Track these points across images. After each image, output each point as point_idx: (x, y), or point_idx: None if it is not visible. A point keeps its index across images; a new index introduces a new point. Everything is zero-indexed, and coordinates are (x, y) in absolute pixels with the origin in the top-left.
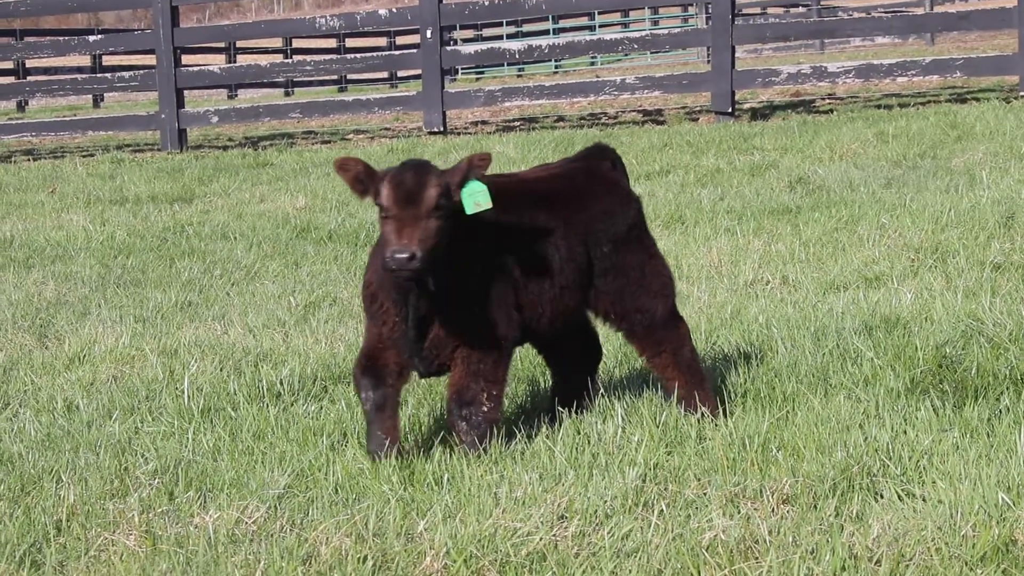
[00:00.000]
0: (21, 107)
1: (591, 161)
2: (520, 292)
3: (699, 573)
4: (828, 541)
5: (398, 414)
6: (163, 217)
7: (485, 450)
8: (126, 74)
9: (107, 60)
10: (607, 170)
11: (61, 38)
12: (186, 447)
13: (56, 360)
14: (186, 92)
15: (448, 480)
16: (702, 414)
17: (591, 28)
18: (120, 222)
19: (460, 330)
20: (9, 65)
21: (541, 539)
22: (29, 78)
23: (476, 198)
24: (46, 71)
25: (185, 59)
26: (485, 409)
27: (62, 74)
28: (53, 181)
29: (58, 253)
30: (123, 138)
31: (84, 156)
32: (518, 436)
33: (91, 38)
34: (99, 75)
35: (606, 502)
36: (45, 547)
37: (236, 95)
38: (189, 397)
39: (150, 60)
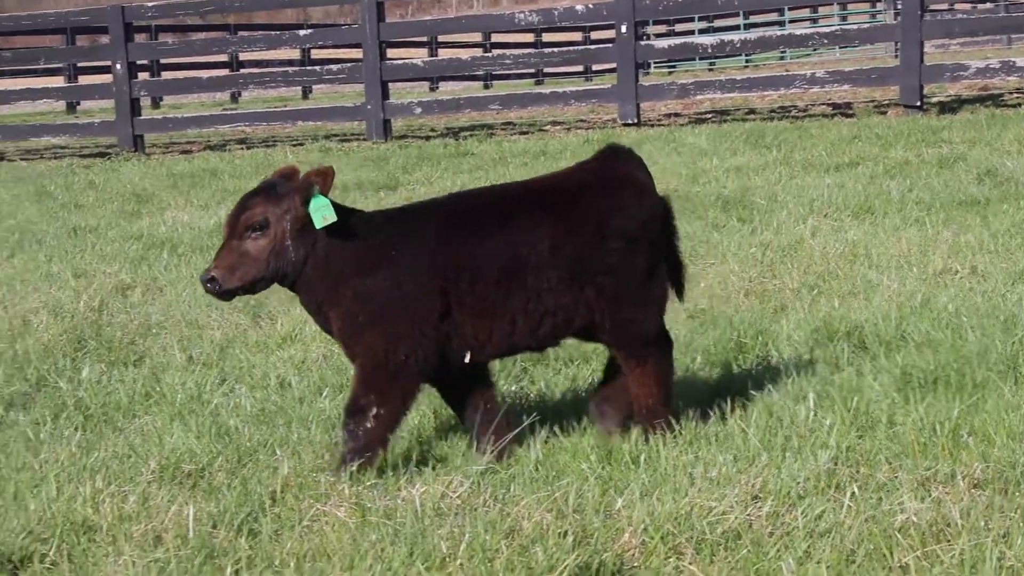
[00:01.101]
0: (235, 98)
1: (600, 162)
2: (456, 305)
3: (892, 554)
4: (1020, 526)
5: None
6: (369, 204)
7: (356, 469)
8: (334, 67)
9: (315, 54)
10: (613, 171)
11: (273, 32)
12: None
13: (269, 339)
14: (390, 84)
15: (644, 459)
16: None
17: (780, 24)
18: None
19: (349, 341)
20: (224, 58)
21: (736, 518)
22: (242, 70)
23: (322, 212)
24: (258, 64)
25: (390, 53)
26: (369, 425)
27: (273, 67)
28: (265, 169)
29: None
30: (330, 128)
31: (294, 145)
32: (712, 417)
33: (301, 32)
34: (308, 68)
35: (799, 483)
36: (261, 516)
37: (437, 87)
38: None
39: (356, 54)
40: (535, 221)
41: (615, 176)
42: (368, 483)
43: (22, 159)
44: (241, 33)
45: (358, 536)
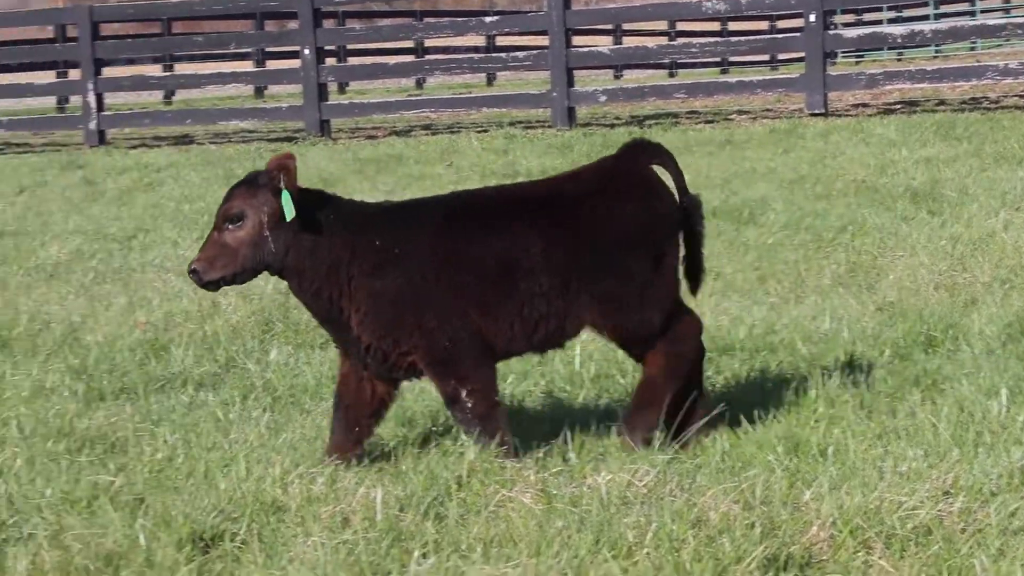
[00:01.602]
0: (419, 84)
1: (613, 161)
2: (472, 297)
3: None
4: None
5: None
6: None
7: (497, 442)
8: (520, 54)
9: (499, 40)
10: (631, 168)
11: (459, 19)
12: (576, 411)
13: None
14: (575, 71)
15: (832, 452)
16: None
17: (971, 14)
18: None
19: (383, 341)
20: (409, 44)
21: (926, 514)
22: (427, 57)
23: (288, 205)
24: (443, 50)
25: (575, 40)
26: (470, 405)
27: (458, 53)
28: (450, 154)
29: None
30: (514, 115)
31: (478, 131)
32: (902, 412)
33: (487, 19)
34: (494, 55)
35: (991, 480)
36: (447, 501)
37: (621, 75)
38: (581, 364)
39: (542, 41)
40: (526, 225)
41: (621, 177)
42: (554, 470)
43: (211, 143)
44: (427, 19)
45: (544, 522)
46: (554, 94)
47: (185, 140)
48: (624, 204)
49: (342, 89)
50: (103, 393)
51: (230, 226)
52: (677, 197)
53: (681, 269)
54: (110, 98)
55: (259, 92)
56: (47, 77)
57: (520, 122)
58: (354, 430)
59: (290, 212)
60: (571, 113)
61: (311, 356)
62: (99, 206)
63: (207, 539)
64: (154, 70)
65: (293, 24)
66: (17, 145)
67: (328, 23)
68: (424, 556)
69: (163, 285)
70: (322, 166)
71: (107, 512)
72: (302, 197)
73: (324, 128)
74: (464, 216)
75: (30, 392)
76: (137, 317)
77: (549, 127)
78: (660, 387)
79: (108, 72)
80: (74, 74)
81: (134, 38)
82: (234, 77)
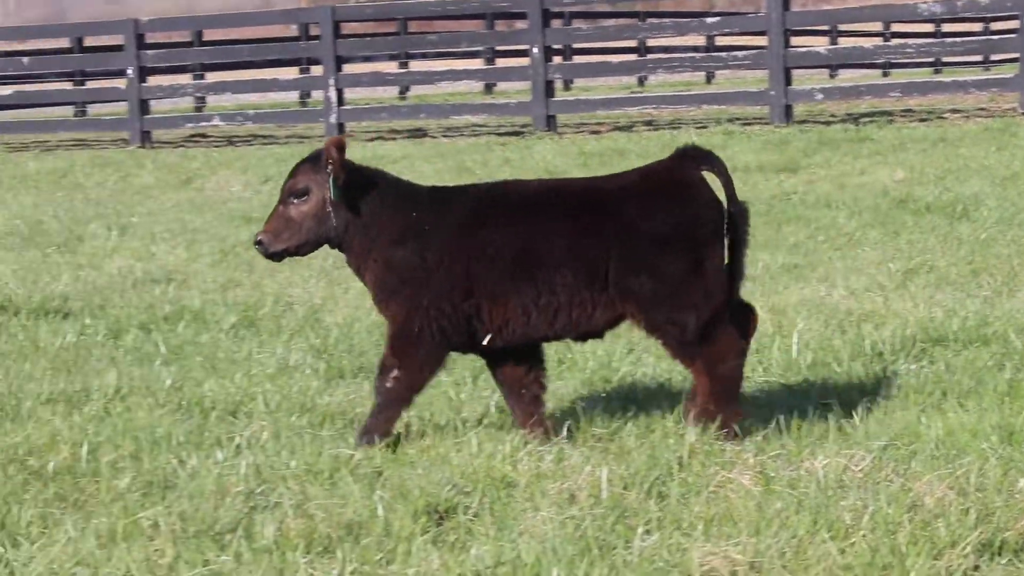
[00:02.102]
0: (641, 82)
1: (668, 163)
2: (477, 288)
3: None
4: None
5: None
6: (769, 185)
7: (378, 423)
8: (739, 53)
9: (718, 40)
10: (678, 173)
11: (681, 20)
12: (794, 397)
13: None
14: (792, 71)
15: None
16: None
17: None
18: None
19: (378, 305)
20: (631, 44)
21: None
22: (649, 56)
23: (332, 186)
24: (664, 50)
25: (792, 41)
26: (388, 385)
27: (678, 52)
28: (671, 150)
29: None
30: (733, 112)
31: (698, 127)
32: None
33: (708, 20)
34: (714, 54)
35: None
36: (669, 481)
37: (836, 75)
38: (798, 352)
39: (760, 41)
40: (553, 218)
41: (664, 179)
42: (772, 453)
43: (443, 136)
44: (650, 20)
45: (763, 503)
46: (772, 92)
47: (419, 133)
48: (661, 205)
49: (567, 86)
50: (343, 371)
51: (295, 200)
52: (726, 204)
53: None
54: (349, 93)
55: (488, 88)
56: (291, 73)
57: (738, 119)
58: (522, 397)
59: (334, 192)
60: (788, 111)
61: None
62: None
63: (441, 511)
64: (390, 67)
65: (522, 24)
66: (263, 137)
67: (555, 23)
68: (647, 533)
69: None
70: (548, 159)
71: (348, 484)
72: (360, 176)
73: (550, 123)
74: (493, 206)
75: (275, 369)
76: None
77: (766, 124)
78: (712, 411)
79: (348, 69)
80: (316, 70)
81: (372, 37)
82: (466, 74)
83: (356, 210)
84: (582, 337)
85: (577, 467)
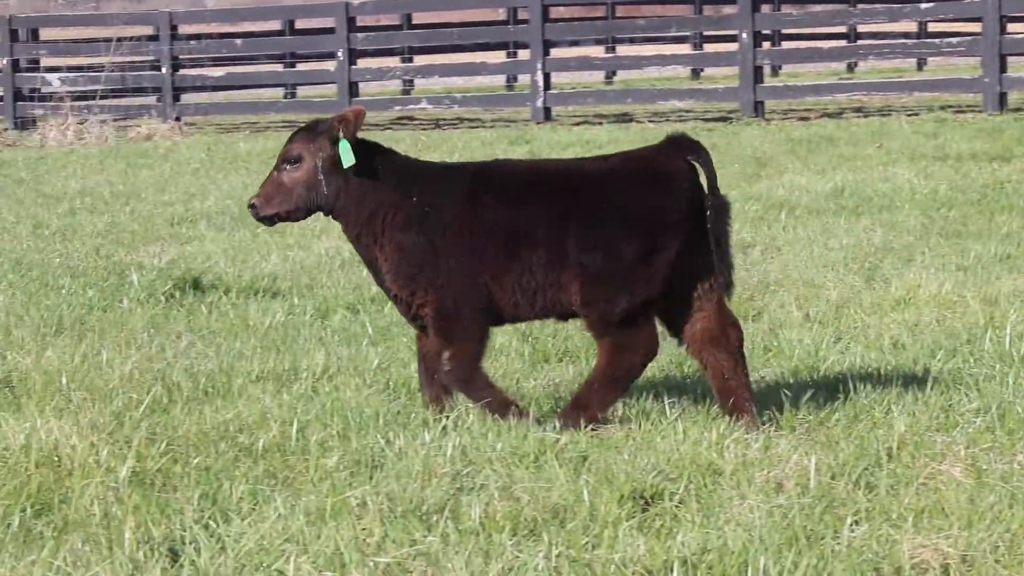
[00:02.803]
0: (851, 68)
1: (652, 150)
2: (480, 262)
3: None
4: None
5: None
6: (982, 174)
7: (482, 397)
8: (953, 40)
9: (931, 27)
10: (660, 161)
11: (895, 6)
12: (1007, 389)
13: (883, 301)
14: (1008, 58)
15: None
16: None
17: None
18: (942, 176)
19: (402, 291)
20: (841, 29)
21: None
22: (860, 42)
23: (346, 154)
24: (874, 36)
25: (1008, 27)
26: (447, 368)
27: (889, 39)
28: (880, 137)
29: (884, 203)
30: (945, 99)
31: (908, 115)
32: None
33: (922, 6)
34: (927, 40)
35: None
36: (877, 471)
37: None
38: (1011, 343)
39: (974, 27)
40: (539, 197)
41: (644, 164)
42: (984, 445)
43: (649, 121)
44: (861, 5)
45: (975, 496)
46: (986, 79)
47: (624, 118)
48: (632, 189)
49: (775, 72)
50: (548, 355)
51: (288, 167)
52: (708, 196)
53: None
54: (555, 77)
55: (695, 74)
56: (498, 57)
57: (950, 106)
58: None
59: (348, 160)
60: (1003, 98)
61: (745, 327)
62: None
63: (647, 497)
64: (597, 51)
65: (730, 9)
66: (470, 120)
67: (765, 8)
68: (856, 523)
69: None
70: (755, 145)
71: (553, 467)
72: (360, 149)
73: (758, 109)
74: (488, 184)
75: None
76: None
77: (979, 112)
78: (590, 394)
79: (555, 53)
80: (523, 54)
81: (580, 21)
82: (674, 59)
83: (351, 180)
84: (564, 317)
85: (784, 456)
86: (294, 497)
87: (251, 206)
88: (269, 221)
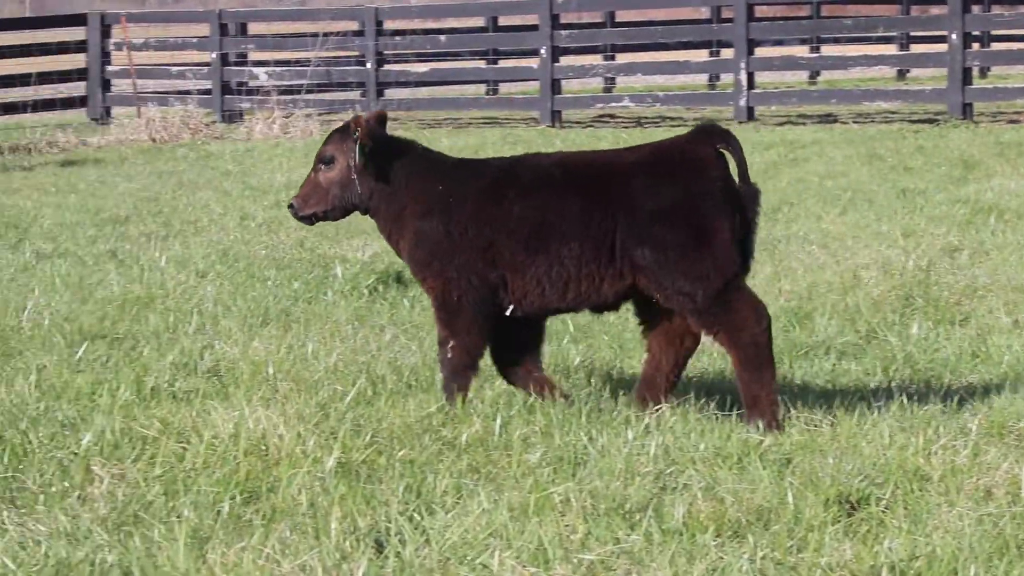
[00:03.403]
0: None
1: (682, 139)
2: (498, 256)
3: None
4: None
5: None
6: None
7: (451, 393)
8: None
9: None
10: (690, 150)
11: None
12: None
13: None
14: None
15: None
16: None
17: None
18: None
19: (415, 274)
20: None
21: None
22: None
23: (358, 153)
24: None
25: None
26: (448, 355)
27: None
28: None
29: None
30: None
31: None
32: None
33: None
34: None
35: None
36: None
37: None
38: None
39: None
40: (569, 191)
41: (677, 154)
42: None
43: (854, 122)
44: None
45: None
46: None
47: (828, 119)
48: (671, 179)
49: (983, 73)
50: None
51: (323, 167)
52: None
53: None
54: (758, 77)
55: (900, 75)
56: (700, 55)
57: None
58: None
59: (360, 160)
60: None
61: (951, 332)
62: None
63: (852, 501)
64: (801, 51)
65: (937, 9)
66: (671, 119)
67: (975, 9)
68: None
69: (807, 256)
70: (963, 148)
71: (757, 469)
72: (390, 147)
73: (966, 111)
74: (514, 178)
75: None
76: (782, 286)
77: None
78: (751, 383)
79: (758, 52)
80: (726, 53)
81: (784, 20)
82: (880, 60)
83: (382, 179)
84: (597, 309)
85: (994, 463)
86: (497, 492)
87: (290, 206)
88: (308, 220)
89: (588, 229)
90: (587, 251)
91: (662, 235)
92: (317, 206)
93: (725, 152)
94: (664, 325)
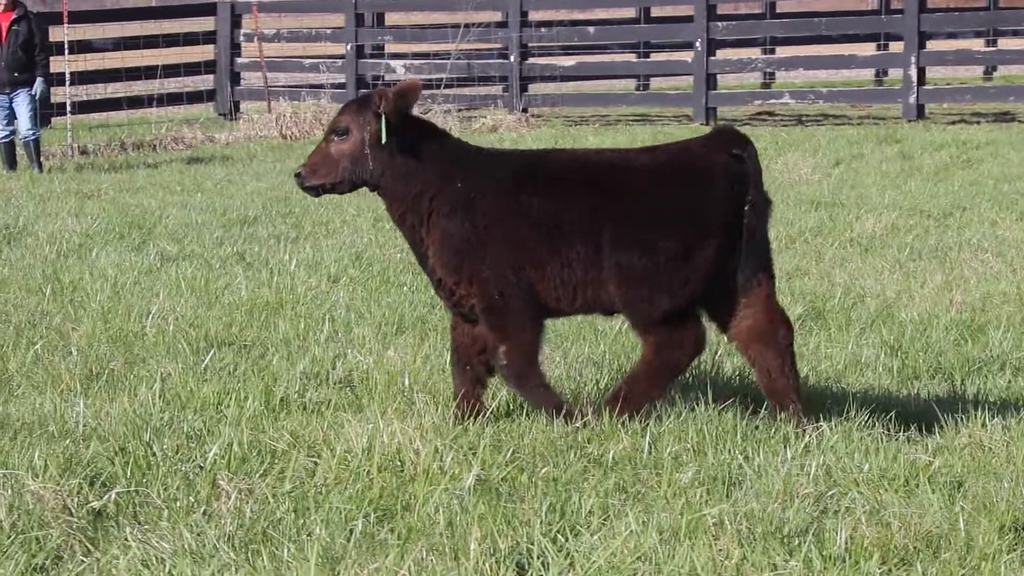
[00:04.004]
0: None
1: (696, 144)
2: (530, 254)
3: None
4: None
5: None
6: None
7: (537, 400)
8: None
9: None
10: (703, 156)
11: None
12: None
13: None
14: None
15: None
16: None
17: None
18: None
19: (445, 273)
20: None
21: None
22: None
23: (385, 130)
24: None
25: None
26: (504, 363)
27: None
28: None
29: None
30: None
31: None
32: None
33: None
34: None
35: None
36: None
37: None
38: None
39: None
40: (579, 189)
41: (688, 161)
42: None
43: None
44: None
45: None
46: None
47: (1005, 117)
48: (676, 184)
49: None
50: (919, 371)
51: (336, 138)
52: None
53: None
54: (930, 72)
55: None
56: (867, 49)
57: None
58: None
59: (385, 136)
60: None
61: None
62: (915, 182)
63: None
64: (977, 44)
65: None
66: (835, 117)
67: None
68: None
69: (980, 265)
70: None
71: (925, 493)
72: (411, 127)
73: None
74: (531, 173)
75: (844, 365)
76: (953, 296)
77: None
78: (645, 386)
79: (931, 46)
80: (895, 47)
81: (959, 12)
82: None
83: (395, 157)
84: (608, 313)
85: None
86: (646, 513)
87: (297, 175)
88: (314, 191)
89: (587, 231)
90: (589, 254)
91: (654, 242)
92: (326, 177)
93: (741, 157)
94: (746, 324)
